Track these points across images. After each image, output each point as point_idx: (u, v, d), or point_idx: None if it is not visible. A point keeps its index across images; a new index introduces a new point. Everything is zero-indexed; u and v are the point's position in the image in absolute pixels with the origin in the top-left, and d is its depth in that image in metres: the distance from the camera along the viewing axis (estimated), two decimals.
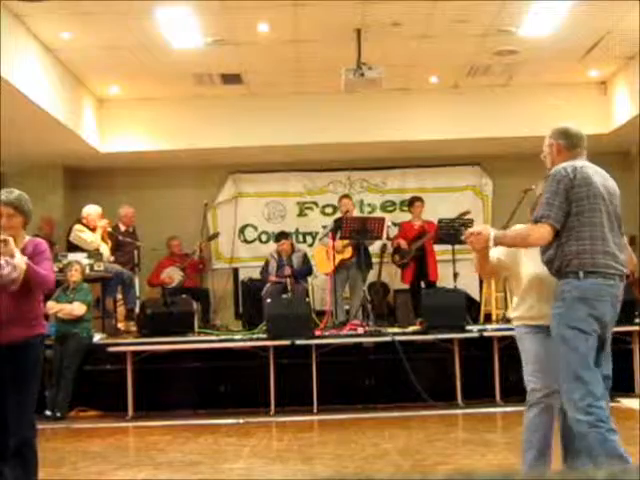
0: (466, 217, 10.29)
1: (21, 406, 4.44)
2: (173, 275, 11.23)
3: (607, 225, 4.33)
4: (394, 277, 11.48)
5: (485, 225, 4.74)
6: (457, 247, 10.02)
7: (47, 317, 9.15)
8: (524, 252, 4.59)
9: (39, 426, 7.93)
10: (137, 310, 9.93)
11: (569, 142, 4.50)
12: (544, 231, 4.25)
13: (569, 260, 4.26)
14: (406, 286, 11.15)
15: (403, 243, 10.77)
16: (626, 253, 4.57)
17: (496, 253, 4.65)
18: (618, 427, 5.39)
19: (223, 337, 9.26)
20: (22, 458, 4.43)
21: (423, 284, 10.67)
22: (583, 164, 4.41)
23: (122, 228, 10.84)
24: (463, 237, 4.61)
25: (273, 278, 10.59)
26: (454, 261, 9.80)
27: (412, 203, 11.13)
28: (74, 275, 8.77)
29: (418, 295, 9.87)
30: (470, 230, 4.53)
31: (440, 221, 10.23)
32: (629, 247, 4.78)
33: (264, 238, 12.68)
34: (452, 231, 9.99)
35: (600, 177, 4.45)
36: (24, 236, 4.68)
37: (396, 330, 9.22)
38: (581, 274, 4.23)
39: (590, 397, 4.17)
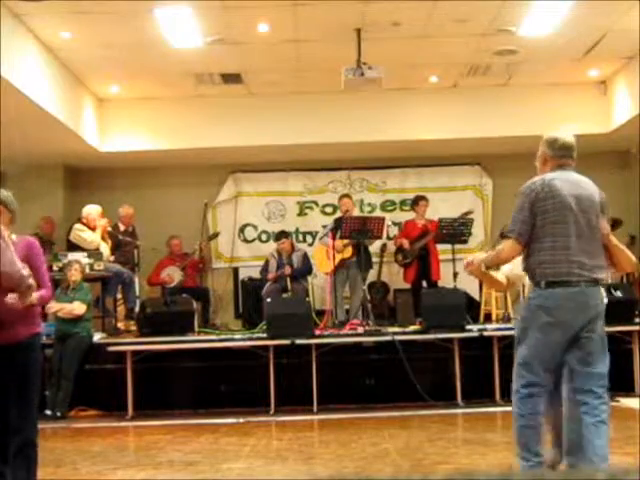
0: (468, 217, 10.30)
1: (25, 406, 4.44)
2: (173, 274, 11.24)
3: (574, 234, 4.48)
4: (396, 276, 11.45)
5: (475, 254, 4.96)
6: (457, 247, 10.03)
7: (45, 317, 9.17)
8: None
9: (39, 425, 7.99)
10: (137, 309, 9.92)
11: (555, 153, 4.67)
12: (509, 246, 4.55)
13: (534, 270, 4.52)
14: (406, 285, 11.16)
15: (406, 243, 10.75)
16: (621, 254, 4.68)
17: (506, 268, 4.98)
18: (618, 427, 5.42)
19: (223, 337, 9.25)
20: (25, 458, 4.43)
21: (425, 284, 10.66)
22: (553, 176, 4.58)
23: (121, 227, 10.84)
24: (463, 267, 4.96)
25: (273, 274, 10.60)
26: (454, 261, 9.79)
27: (416, 202, 11.10)
28: (74, 275, 8.77)
29: (419, 295, 9.86)
30: (464, 262, 4.88)
31: (441, 220, 10.24)
32: (621, 247, 4.78)
33: (264, 237, 12.68)
34: (452, 230, 10.00)
35: (572, 186, 4.57)
36: (11, 235, 4.67)
37: (396, 330, 9.22)
38: (542, 284, 4.47)
39: (517, 394, 4.62)
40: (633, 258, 4.85)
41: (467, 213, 10.40)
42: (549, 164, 4.65)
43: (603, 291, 4.58)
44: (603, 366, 4.55)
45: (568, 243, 4.46)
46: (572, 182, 4.59)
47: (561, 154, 4.66)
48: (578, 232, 4.48)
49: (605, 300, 4.60)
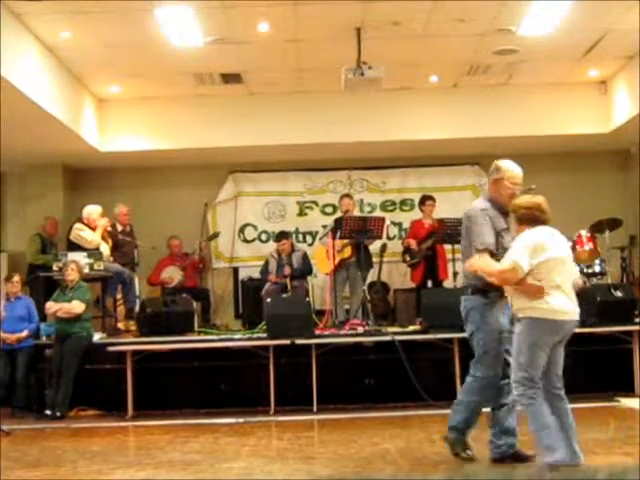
0: None
1: None
2: (173, 275, 11.22)
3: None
4: (403, 277, 11.41)
5: None
6: (457, 246, 10.01)
7: (45, 317, 9.18)
8: None
9: (39, 425, 7.99)
10: (137, 309, 9.92)
11: None
12: None
13: None
14: (406, 285, 11.15)
15: (413, 243, 10.74)
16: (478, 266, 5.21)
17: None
18: (618, 427, 5.46)
19: (223, 336, 9.25)
20: None
21: (431, 283, 10.64)
22: None
23: (119, 227, 10.81)
24: None
25: (273, 278, 10.58)
26: (454, 260, 9.79)
27: (423, 202, 11.08)
28: (70, 274, 8.76)
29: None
30: None
31: (442, 220, 10.25)
32: (476, 259, 5.22)
33: (264, 237, 12.68)
34: (449, 231, 9.99)
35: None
36: None
37: (396, 329, 9.21)
38: None
39: None
40: (486, 269, 5.11)
41: None
42: None
43: (467, 297, 5.34)
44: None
45: None
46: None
47: None
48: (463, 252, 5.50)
49: (465, 304, 5.36)
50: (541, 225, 5.07)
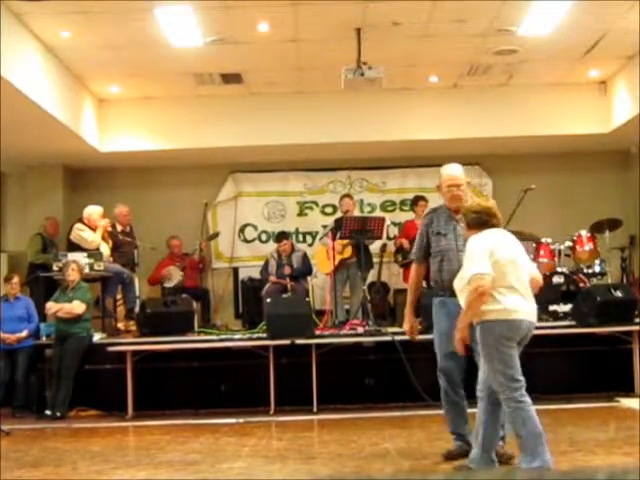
0: None
1: None
2: (172, 272, 11.19)
3: None
4: (397, 277, 11.42)
5: None
6: None
7: (45, 317, 9.18)
8: None
9: (39, 425, 8.00)
10: (137, 309, 9.92)
11: None
12: None
13: None
14: (406, 285, 11.13)
15: (405, 243, 10.75)
16: None
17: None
18: (618, 427, 5.46)
19: (223, 337, 9.25)
20: None
21: (425, 283, 10.61)
22: None
23: (119, 228, 10.81)
24: None
25: (273, 279, 10.58)
26: None
27: (416, 202, 11.09)
28: (71, 274, 8.77)
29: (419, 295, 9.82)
30: None
31: None
32: None
33: (264, 237, 12.68)
34: None
35: None
36: None
37: (396, 329, 9.20)
38: None
39: None
40: (470, 300, 4.92)
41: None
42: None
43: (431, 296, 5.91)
44: None
45: None
46: None
47: None
48: None
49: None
50: (490, 228, 5.04)
